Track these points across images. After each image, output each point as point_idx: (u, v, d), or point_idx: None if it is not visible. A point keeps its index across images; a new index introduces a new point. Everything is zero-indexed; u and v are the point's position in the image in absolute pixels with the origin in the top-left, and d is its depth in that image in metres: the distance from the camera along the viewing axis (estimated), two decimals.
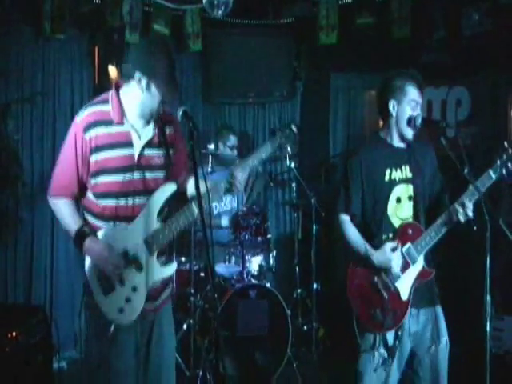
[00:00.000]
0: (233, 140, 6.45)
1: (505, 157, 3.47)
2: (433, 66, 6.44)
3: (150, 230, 3.12)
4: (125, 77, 3.15)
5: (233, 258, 5.91)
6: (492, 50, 6.14)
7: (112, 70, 6.08)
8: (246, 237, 5.74)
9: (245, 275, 5.60)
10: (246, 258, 5.70)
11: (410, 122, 3.52)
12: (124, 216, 3.13)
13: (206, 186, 2.95)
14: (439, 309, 3.63)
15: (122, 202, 3.12)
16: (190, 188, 3.38)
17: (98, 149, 3.06)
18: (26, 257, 6.02)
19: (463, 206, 3.39)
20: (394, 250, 3.49)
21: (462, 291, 6.02)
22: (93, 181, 3.11)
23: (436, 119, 5.88)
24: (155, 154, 3.20)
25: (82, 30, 6.26)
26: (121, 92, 3.17)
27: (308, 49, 7.15)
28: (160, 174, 3.22)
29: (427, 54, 6.53)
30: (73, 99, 6.27)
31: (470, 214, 3.38)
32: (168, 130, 3.23)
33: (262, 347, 5.42)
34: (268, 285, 5.62)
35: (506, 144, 3.51)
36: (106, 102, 3.14)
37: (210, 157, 5.96)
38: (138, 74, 3.03)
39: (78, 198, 3.21)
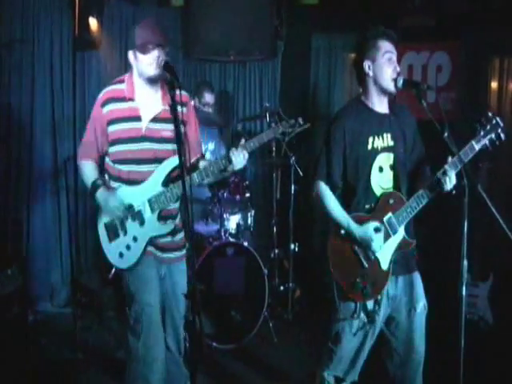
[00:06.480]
0: (207, 97, 6.26)
1: (488, 127, 3.41)
2: (415, 29, 6.43)
3: (155, 192, 3.61)
4: (129, 65, 3.65)
5: (211, 217, 5.91)
6: (474, 17, 6.14)
7: (92, 23, 5.96)
8: (225, 195, 5.73)
9: (222, 233, 5.61)
10: (224, 216, 5.70)
11: (395, 83, 3.45)
12: (135, 179, 3.64)
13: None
14: (417, 275, 3.62)
15: (134, 167, 3.63)
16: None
17: (113, 121, 3.61)
18: (1, 210, 5.95)
19: (445, 174, 3.32)
20: (376, 230, 3.44)
21: (441, 258, 6.10)
22: (110, 149, 3.68)
23: (417, 81, 5.88)
24: (162, 128, 3.65)
25: None
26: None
27: (289, 8, 7.05)
28: (169, 146, 3.63)
29: (409, 17, 6.51)
30: (52, 49, 6.17)
31: (454, 182, 3.32)
32: (182, 109, 3.42)
33: (238, 305, 5.45)
34: (246, 244, 5.60)
35: (490, 114, 3.44)
36: (122, 81, 3.68)
37: None
38: (130, 53, 3.53)
39: (100, 163, 3.80)
